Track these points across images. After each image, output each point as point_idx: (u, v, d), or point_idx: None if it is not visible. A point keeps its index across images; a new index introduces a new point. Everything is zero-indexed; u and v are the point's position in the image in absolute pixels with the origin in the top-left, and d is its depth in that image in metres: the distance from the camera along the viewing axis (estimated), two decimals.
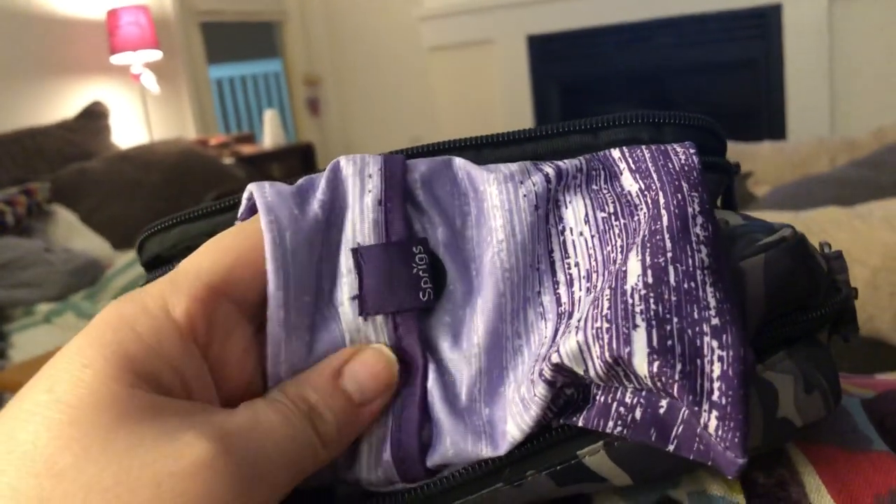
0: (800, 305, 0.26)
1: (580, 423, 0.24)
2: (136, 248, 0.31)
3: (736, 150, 2.37)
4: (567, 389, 0.24)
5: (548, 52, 3.56)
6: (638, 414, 0.23)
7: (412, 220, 0.26)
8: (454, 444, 0.24)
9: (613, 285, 0.23)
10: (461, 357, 0.25)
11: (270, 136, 3.64)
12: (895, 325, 1.28)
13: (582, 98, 3.69)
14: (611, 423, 0.23)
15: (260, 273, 0.24)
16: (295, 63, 4.23)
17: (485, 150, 0.29)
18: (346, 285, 0.25)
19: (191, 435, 0.19)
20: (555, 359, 0.23)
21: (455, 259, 0.26)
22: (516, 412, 0.24)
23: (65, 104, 3.00)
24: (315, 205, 0.25)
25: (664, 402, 0.22)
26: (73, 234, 2.32)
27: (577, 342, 0.22)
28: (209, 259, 0.24)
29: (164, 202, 2.62)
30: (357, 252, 0.25)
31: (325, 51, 4.23)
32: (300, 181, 0.26)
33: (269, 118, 3.68)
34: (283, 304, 0.24)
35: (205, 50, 3.65)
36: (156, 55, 3.17)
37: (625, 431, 0.23)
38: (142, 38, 3.04)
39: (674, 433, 0.22)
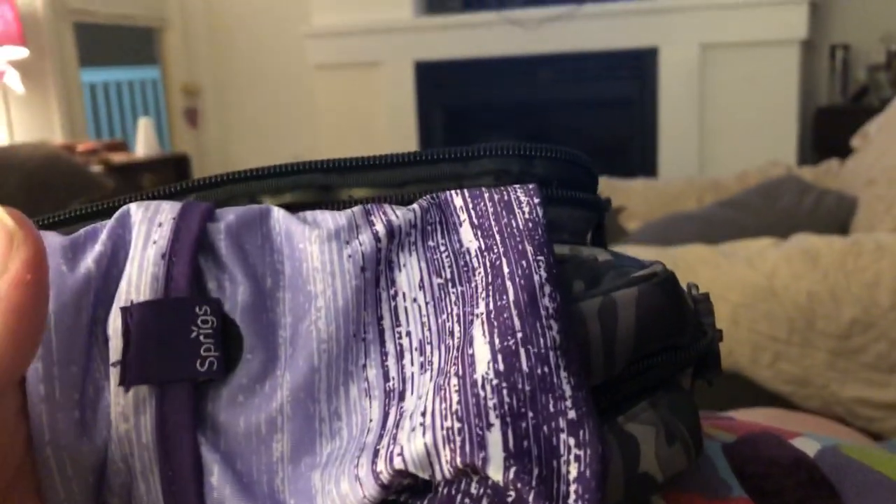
0: (667, 345, 0.25)
1: None
2: None
3: (610, 185, 2.45)
4: (404, 480, 0.21)
5: (434, 79, 3.58)
6: (485, 503, 0.21)
7: (206, 278, 0.22)
8: None
9: (461, 373, 0.20)
10: (259, 441, 0.21)
11: (144, 145, 3.49)
12: (753, 359, 1.34)
13: (466, 126, 3.74)
14: None
15: None
16: (173, 72, 4.09)
17: (350, 173, 0.27)
18: (112, 350, 0.21)
19: None
20: (398, 464, 0.20)
21: (257, 325, 0.22)
22: None
23: None
24: (89, 258, 0.22)
25: (512, 493, 0.20)
26: None
27: (425, 445, 0.20)
28: None
29: (24, 208, 2.45)
30: (126, 311, 0.21)
31: (206, 61, 4.11)
32: (81, 231, 0.23)
33: (143, 126, 3.54)
34: (42, 377, 0.20)
35: (77, 51, 3.47)
36: (21, 52, 3.00)
37: None
38: (6, 34, 2.87)
39: None
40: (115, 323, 0.21)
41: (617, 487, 0.23)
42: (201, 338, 0.21)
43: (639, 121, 3.29)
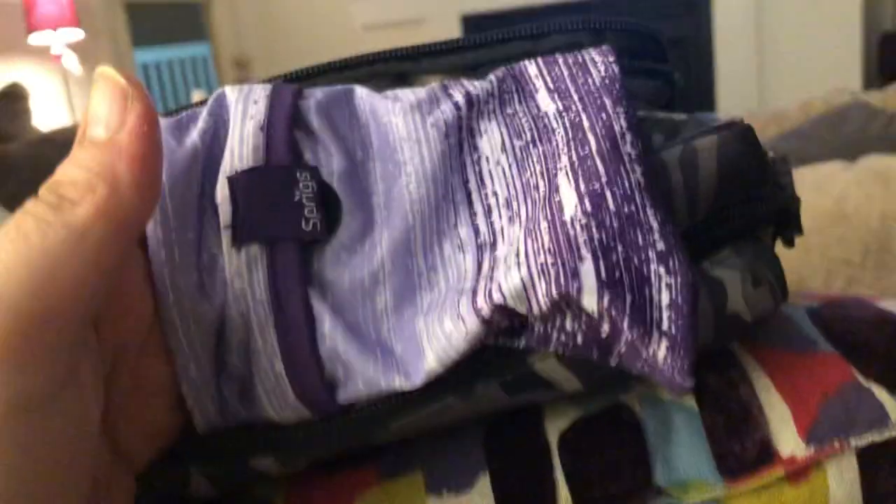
0: (748, 194, 0.25)
1: (519, 347, 0.22)
2: None
3: None
4: (502, 323, 0.22)
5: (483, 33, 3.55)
6: (580, 339, 0.21)
7: (302, 148, 0.24)
8: (366, 381, 0.22)
9: (550, 217, 0.21)
10: (363, 295, 0.23)
11: None
12: (826, 285, 1.31)
13: None
14: (552, 348, 0.22)
15: None
16: (223, 45, 4.13)
17: (423, 59, 0.27)
18: (222, 215, 0.22)
19: None
20: (497, 298, 0.21)
21: (353, 191, 0.23)
22: (438, 347, 0.22)
23: None
24: (194, 134, 0.23)
25: (606, 327, 0.21)
26: None
27: (521, 279, 0.21)
28: None
29: None
30: (233, 179, 0.22)
31: (253, 32, 4.14)
32: (182, 114, 0.24)
33: (197, 99, 3.59)
34: (162, 242, 0.22)
35: (130, 31, 3.54)
36: (77, 34, 3.06)
37: (566, 352, 0.22)
38: (61, 17, 2.93)
39: (616, 351, 0.21)
40: (223, 191, 0.22)
41: (707, 328, 0.23)
42: (304, 201, 0.23)
43: (695, 59, 3.21)
